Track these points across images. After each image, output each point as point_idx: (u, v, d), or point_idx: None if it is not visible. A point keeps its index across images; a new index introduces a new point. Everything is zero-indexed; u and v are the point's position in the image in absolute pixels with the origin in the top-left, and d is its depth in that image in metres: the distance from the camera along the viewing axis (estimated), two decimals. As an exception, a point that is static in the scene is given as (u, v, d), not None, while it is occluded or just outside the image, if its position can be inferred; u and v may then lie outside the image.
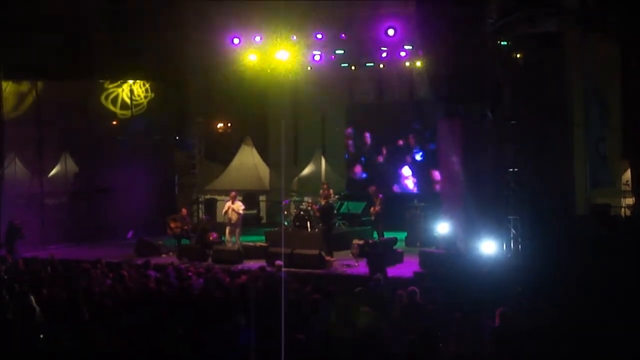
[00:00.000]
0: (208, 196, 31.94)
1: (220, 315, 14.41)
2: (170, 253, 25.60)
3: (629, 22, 21.18)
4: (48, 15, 27.86)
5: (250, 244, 25.35)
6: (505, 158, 21.72)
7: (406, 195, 28.89)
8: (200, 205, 31.22)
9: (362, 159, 31.89)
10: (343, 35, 27.56)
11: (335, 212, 26.54)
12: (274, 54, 28.31)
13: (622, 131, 23.00)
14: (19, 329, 14.03)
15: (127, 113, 30.49)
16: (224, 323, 13.61)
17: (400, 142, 30.93)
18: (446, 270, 19.50)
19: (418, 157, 30.51)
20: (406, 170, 29.93)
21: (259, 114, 32.84)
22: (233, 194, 26.61)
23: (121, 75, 30.26)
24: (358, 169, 31.86)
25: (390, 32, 25.59)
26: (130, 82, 30.33)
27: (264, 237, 26.64)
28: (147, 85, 30.66)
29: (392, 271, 21.30)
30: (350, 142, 31.99)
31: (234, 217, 25.99)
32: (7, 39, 26.55)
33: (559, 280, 16.55)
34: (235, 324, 13.29)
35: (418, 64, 26.93)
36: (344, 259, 23.76)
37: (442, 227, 23.23)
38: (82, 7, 29.22)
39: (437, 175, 28.76)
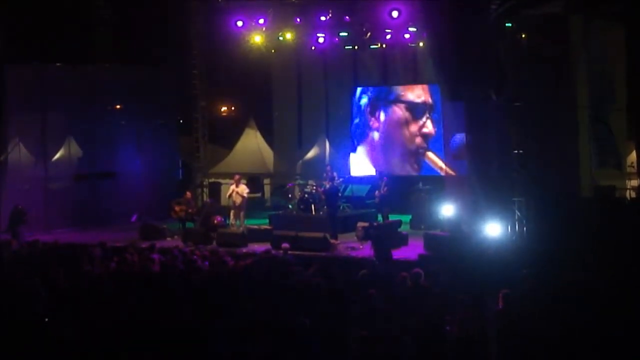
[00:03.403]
0: (212, 179, 31.92)
1: (226, 298, 14.43)
2: (175, 236, 25.60)
3: (634, 6, 21.06)
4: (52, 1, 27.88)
5: (255, 227, 25.37)
6: (509, 140, 21.67)
7: (411, 178, 28.83)
8: (204, 189, 31.19)
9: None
10: (347, 17, 27.48)
11: (339, 195, 26.51)
12: (278, 36, 28.26)
13: (627, 113, 22.91)
14: (23, 313, 14.03)
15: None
16: (229, 306, 13.63)
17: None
18: (451, 252, 19.49)
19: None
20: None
21: (263, 97, 32.77)
22: (237, 177, 26.61)
23: (125, 59, 30.22)
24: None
25: (395, 13, 25.51)
26: None
27: (268, 220, 26.65)
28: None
29: (397, 254, 21.35)
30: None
31: (238, 200, 26.01)
32: (11, 23, 26.51)
33: (563, 263, 16.54)
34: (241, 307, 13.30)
35: (422, 45, 26.88)
36: (349, 241, 23.78)
37: (447, 210, 23.22)
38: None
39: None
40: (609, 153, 24.27)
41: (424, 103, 29.22)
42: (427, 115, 29.16)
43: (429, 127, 29.11)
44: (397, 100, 29.88)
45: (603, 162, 24.04)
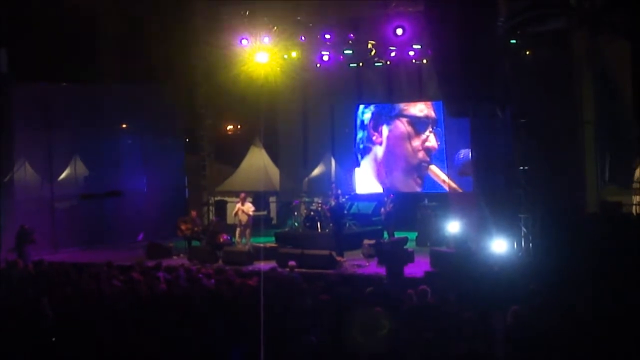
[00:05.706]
0: (218, 198, 31.92)
1: (232, 316, 14.42)
2: (181, 255, 25.60)
3: (637, 20, 21.05)
4: (58, 18, 27.94)
5: (261, 244, 25.37)
6: (515, 156, 21.65)
7: (416, 195, 28.80)
8: (210, 207, 31.20)
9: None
10: (351, 35, 27.55)
11: (345, 212, 26.50)
12: (283, 55, 28.32)
13: (634, 128, 22.86)
14: (30, 333, 14.03)
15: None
16: (234, 324, 13.61)
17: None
18: (457, 269, 19.45)
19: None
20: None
21: (269, 115, 32.81)
22: (243, 195, 26.63)
23: (131, 77, 30.29)
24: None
25: (399, 31, 25.55)
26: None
27: (274, 238, 26.64)
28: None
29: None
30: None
31: (244, 218, 26.02)
32: (17, 43, 26.62)
33: (570, 279, 16.49)
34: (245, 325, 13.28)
35: (426, 62, 26.94)
36: (355, 259, 23.75)
37: (453, 226, 23.18)
38: (92, 10, 29.28)
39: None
40: (617, 168, 24.20)
41: (427, 117, 29.23)
42: (430, 129, 29.15)
43: (431, 141, 29.10)
44: (400, 115, 29.91)
45: (610, 178, 23.98)
